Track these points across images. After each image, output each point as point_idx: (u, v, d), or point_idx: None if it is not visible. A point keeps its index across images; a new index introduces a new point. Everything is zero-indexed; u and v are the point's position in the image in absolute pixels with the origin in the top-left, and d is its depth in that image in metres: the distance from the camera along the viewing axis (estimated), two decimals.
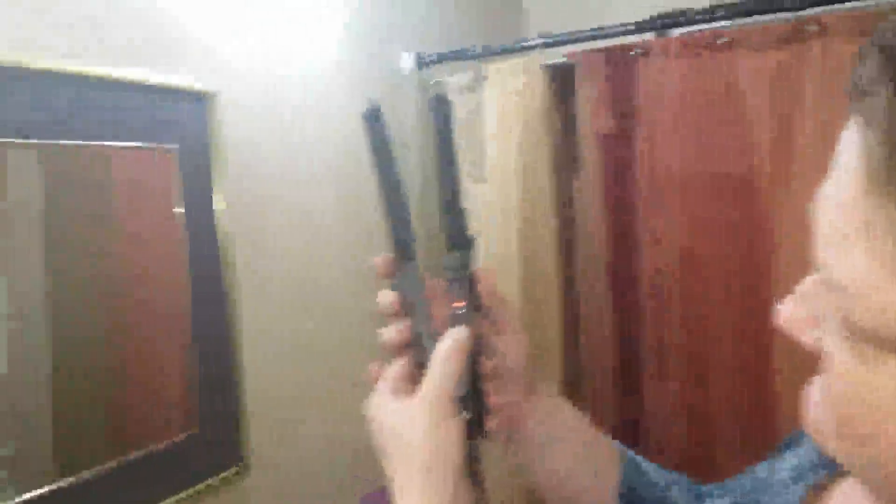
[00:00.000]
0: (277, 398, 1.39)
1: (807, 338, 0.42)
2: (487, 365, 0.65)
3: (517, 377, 0.68)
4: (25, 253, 0.98)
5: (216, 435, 1.25)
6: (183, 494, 1.18)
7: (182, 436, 1.19)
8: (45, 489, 0.99)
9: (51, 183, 1.01)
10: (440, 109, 0.67)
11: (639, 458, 0.73)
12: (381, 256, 0.64)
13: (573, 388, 1.55)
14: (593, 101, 1.47)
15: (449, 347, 0.58)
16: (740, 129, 1.34)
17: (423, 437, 0.55)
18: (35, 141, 0.98)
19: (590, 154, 1.49)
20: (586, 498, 0.71)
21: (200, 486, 1.21)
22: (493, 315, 0.66)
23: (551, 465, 0.70)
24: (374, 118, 0.64)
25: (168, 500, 1.15)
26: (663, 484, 0.71)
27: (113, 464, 1.07)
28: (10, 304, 0.96)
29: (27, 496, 0.97)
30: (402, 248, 0.64)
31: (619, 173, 1.48)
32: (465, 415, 0.59)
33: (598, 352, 1.53)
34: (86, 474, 1.04)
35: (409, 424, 0.56)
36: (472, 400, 0.61)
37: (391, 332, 0.63)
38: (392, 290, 0.64)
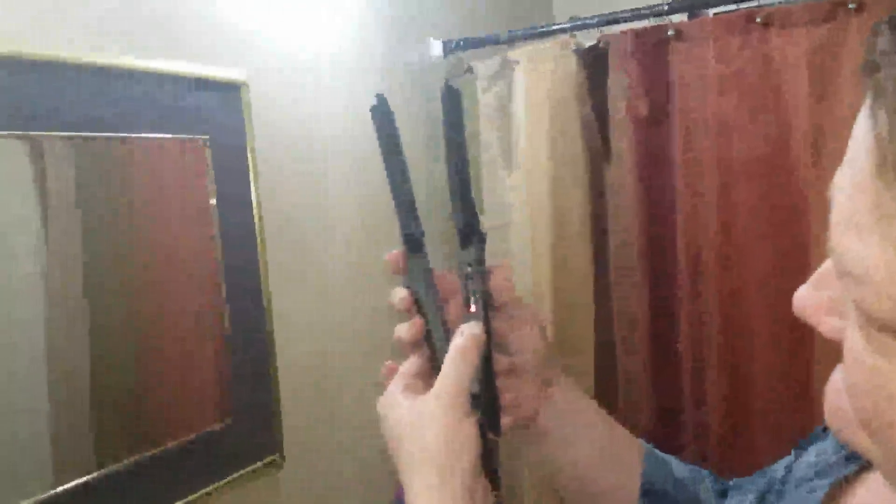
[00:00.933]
0: (312, 390, 1.39)
1: (824, 325, 0.40)
2: (503, 361, 0.64)
3: (533, 373, 0.66)
4: (63, 245, 0.99)
5: (251, 426, 1.26)
6: (219, 484, 1.19)
7: (218, 426, 1.20)
8: (85, 479, 1.00)
9: (86, 175, 1.02)
10: (450, 98, 0.65)
11: (661, 453, 0.72)
12: (391, 252, 0.63)
13: (607, 381, 1.53)
14: (626, 85, 1.44)
15: (463, 345, 0.57)
16: (777, 110, 1.30)
17: (437, 435, 0.54)
18: (70, 134, 0.99)
19: (623, 139, 1.46)
20: (607, 493, 0.69)
21: (236, 476, 1.23)
22: (507, 310, 0.65)
23: (570, 460, 0.69)
24: (382, 111, 0.63)
25: (204, 490, 1.17)
26: (686, 479, 0.69)
27: (150, 454, 1.09)
28: (49, 297, 0.97)
29: (67, 486, 0.98)
30: (412, 243, 0.63)
31: (653, 159, 1.45)
32: (479, 413, 0.58)
33: (632, 343, 1.51)
34: (124, 464, 1.05)
35: (423, 423, 0.55)
36: (487, 397, 0.60)
37: (404, 329, 0.62)
38: (404, 286, 0.63)
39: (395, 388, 0.60)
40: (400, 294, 0.63)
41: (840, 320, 0.38)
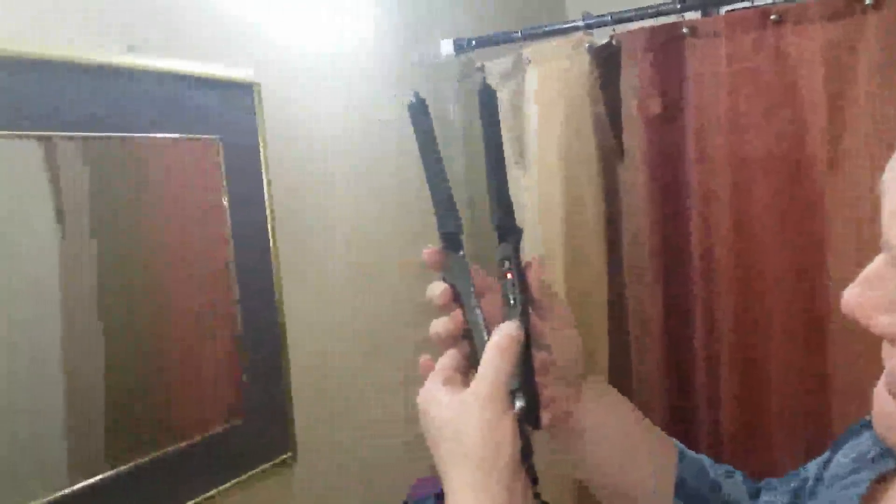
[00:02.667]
0: (324, 387, 1.40)
1: (876, 324, 0.39)
2: (538, 357, 0.64)
3: (568, 370, 0.66)
4: (76, 246, 1.00)
5: (264, 423, 1.26)
6: (233, 482, 1.20)
7: (231, 424, 1.20)
8: (98, 478, 1.01)
9: (99, 175, 1.03)
10: (487, 97, 0.65)
11: (694, 453, 0.72)
12: (428, 248, 0.63)
13: (620, 380, 1.52)
14: (639, 83, 1.43)
15: (502, 340, 0.57)
16: (792, 107, 1.29)
17: (477, 431, 0.54)
18: (84, 134, 1.00)
19: (636, 138, 1.45)
20: (641, 492, 0.69)
21: (250, 474, 1.23)
22: (544, 306, 0.64)
23: (603, 459, 0.69)
24: (419, 110, 0.63)
25: (218, 488, 1.17)
26: (719, 479, 0.69)
27: (164, 452, 1.09)
28: (63, 297, 0.98)
29: (81, 484, 0.99)
30: (449, 240, 0.63)
31: (666, 157, 1.44)
32: (519, 407, 0.57)
33: (646, 343, 1.50)
34: (137, 463, 1.06)
35: (463, 418, 0.55)
36: (526, 393, 0.60)
37: (441, 325, 0.61)
38: (442, 281, 0.63)
39: (434, 382, 0.59)
40: (439, 288, 0.62)
41: (892, 317, 0.38)
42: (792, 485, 0.64)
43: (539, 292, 0.64)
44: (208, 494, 1.16)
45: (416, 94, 0.64)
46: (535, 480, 0.59)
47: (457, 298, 0.62)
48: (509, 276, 0.63)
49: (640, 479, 0.69)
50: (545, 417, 0.63)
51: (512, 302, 0.62)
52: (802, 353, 1.30)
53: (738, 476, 0.70)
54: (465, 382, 0.59)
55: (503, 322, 0.60)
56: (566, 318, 0.67)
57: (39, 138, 0.95)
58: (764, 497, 0.67)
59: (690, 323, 1.45)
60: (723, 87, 1.34)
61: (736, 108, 1.33)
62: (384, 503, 1.51)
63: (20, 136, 0.93)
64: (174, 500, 1.11)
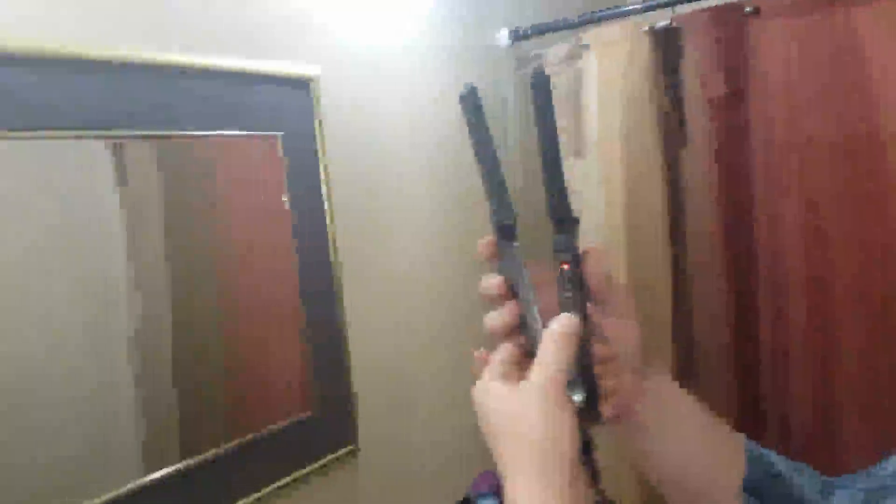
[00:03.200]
0: (386, 381, 1.41)
1: None
2: (599, 350, 0.63)
3: (628, 363, 0.65)
4: (146, 243, 1.03)
5: (329, 416, 1.28)
6: (299, 473, 1.22)
7: (297, 418, 1.22)
8: (171, 468, 1.04)
9: (165, 174, 1.05)
10: (540, 85, 0.64)
11: (763, 450, 0.69)
12: (483, 239, 0.63)
13: (685, 374, 1.49)
14: (702, 65, 1.39)
15: (560, 332, 0.56)
16: (863, 88, 1.23)
17: (536, 423, 0.53)
18: (148, 133, 1.02)
19: (699, 121, 1.41)
20: (706, 489, 0.67)
21: (315, 465, 1.25)
22: (602, 297, 0.63)
23: (667, 454, 0.67)
24: (471, 100, 0.62)
25: (285, 479, 1.20)
26: (789, 476, 0.66)
27: (234, 444, 1.12)
28: (134, 295, 1.01)
29: (155, 475, 1.02)
30: (504, 231, 0.62)
31: (731, 141, 1.40)
32: (579, 399, 0.57)
33: (711, 335, 1.46)
34: (209, 454, 1.09)
35: (522, 411, 0.54)
36: (585, 385, 0.59)
37: (497, 317, 0.61)
38: (497, 273, 0.62)
39: (490, 376, 0.58)
40: (492, 281, 0.61)
41: None
42: (866, 484, 0.61)
43: (598, 282, 0.63)
44: (278, 485, 1.18)
45: (469, 85, 0.63)
46: (596, 476, 0.58)
47: (512, 290, 0.61)
48: (566, 266, 0.61)
49: (706, 475, 0.67)
50: (606, 411, 0.62)
51: (569, 293, 0.61)
52: (876, 346, 1.25)
53: (809, 472, 0.68)
54: (522, 376, 0.58)
55: (560, 314, 0.59)
56: (626, 308, 0.65)
57: (106, 139, 0.98)
58: (837, 494, 0.64)
59: (758, 317, 1.40)
60: (790, 68, 1.29)
61: (804, 88, 1.28)
62: (446, 495, 1.52)
63: (87, 137, 0.96)
64: (244, 491, 1.14)
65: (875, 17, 1.20)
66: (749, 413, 1.42)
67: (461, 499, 1.53)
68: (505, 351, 0.60)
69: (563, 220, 0.63)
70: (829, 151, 1.27)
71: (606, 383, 0.63)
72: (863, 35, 1.22)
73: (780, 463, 0.68)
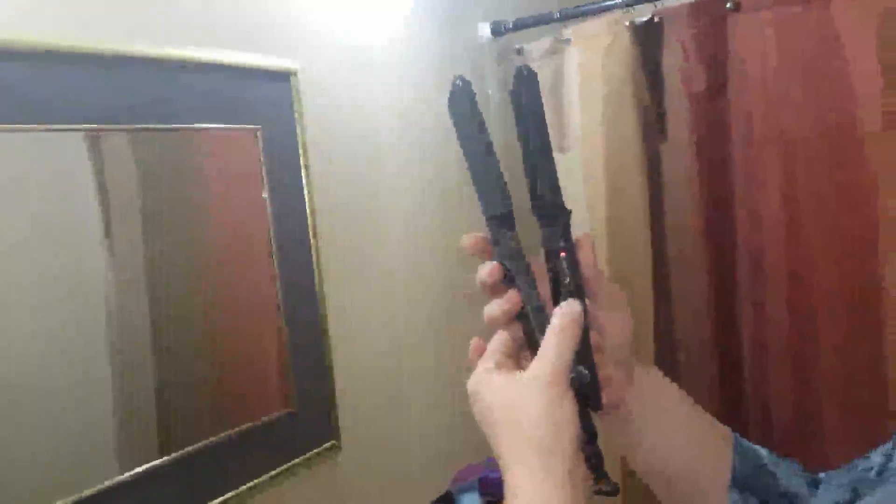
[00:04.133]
0: (367, 377, 1.40)
1: None
2: (592, 338, 0.62)
3: (619, 353, 0.64)
4: (123, 237, 1.01)
5: (310, 413, 1.27)
6: (278, 470, 1.21)
7: (277, 414, 1.21)
8: (150, 465, 1.03)
9: (142, 167, 1.04)
10: (529, 81, 0.63)
11: (751, 444, 0.69)
12: (469, 236, 0.62)
13: (666, 367, 1.49)
14: (683, 60, 1.40)
15: (563, 323, 0.56)
16: (841, 82, 1.24)
17: (538, 413, 0.53)
18: (126, 126, 1.00)
19: (680, 116, 1.42)
20: (694, 482, 0.67)
21: (296, 462, 1.24)
22: (594, 288, 0.63)
23: (653, 446, 0.67)
24: (465, 94, 0.62)
25: (264, 476, 1.18)
26: (777, 471, 0.67)
27: (212, 441, 1.11)
28: (112, 289, 0.99)
29: (133, 472, 1.01)
30: (501, 220, 0.61)
31: (711, 135, 1.40)
32: (580, 388, 0.56)
33: (692, 329, 1.47)
34: (187, 451, 1.07)
35: (523, 401, 0.54)
36: (587, 373, 0.59)
37: (496, 307, 0.60)
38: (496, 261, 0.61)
39: (486, 366, 0.58)
40: (490, 266, 0.61)
41: None
42: (852, 476, 0.62)
43: (590, 272, 0.62)
44: (257, 481, 1.17)
45: (461, 78, 0.62)
46: (601, 462, 0.58)
47: (507, 278, 0.61)
48: (563, 254, 0.61)
49: (693, 468, 0.67)
50: (606, 397, 0.62)
51: (567, 281, 0.60)
52: (855, 339, 1.26)
53: (796, 467, 0.68)
54: (517, 365, 0.57)
55: (553, 304, 0.58)
56: (617, 299, 0.65)
57: (83, 131, 0.96)
58: (823, 488, 0.64)
59: (739, 310, 1.41)
60: (770, 63, 1.29)
61: (784, 84, 1.28)
62: (428, 490, 1.51)
63: (62, 130, 0.94)
64: (222, 488, 1.13)
65: (853, 11, 1.21)
66: (730, 406, 1.43)
67: (443, 494, 1.53)
68: (501, 340, 0.60)
69: (556, 210, 0.62)
70: (807, 145, 1.28)
71: (601, 372, 0.63)
72: (841, 30, 1.22)
73: (767, 457, 0.68)
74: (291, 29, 1.25)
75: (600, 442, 0.59)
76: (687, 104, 1.40)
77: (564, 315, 0.56)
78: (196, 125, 1.09)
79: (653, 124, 1.50)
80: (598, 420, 0.61)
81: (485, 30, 1.67)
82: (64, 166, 0.95)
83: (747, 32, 1.32)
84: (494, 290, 0.61)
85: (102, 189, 0.99)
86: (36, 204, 0.91)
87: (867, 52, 1.20)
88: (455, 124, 0.63)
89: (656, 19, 1.44)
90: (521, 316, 0.60)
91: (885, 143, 1.20)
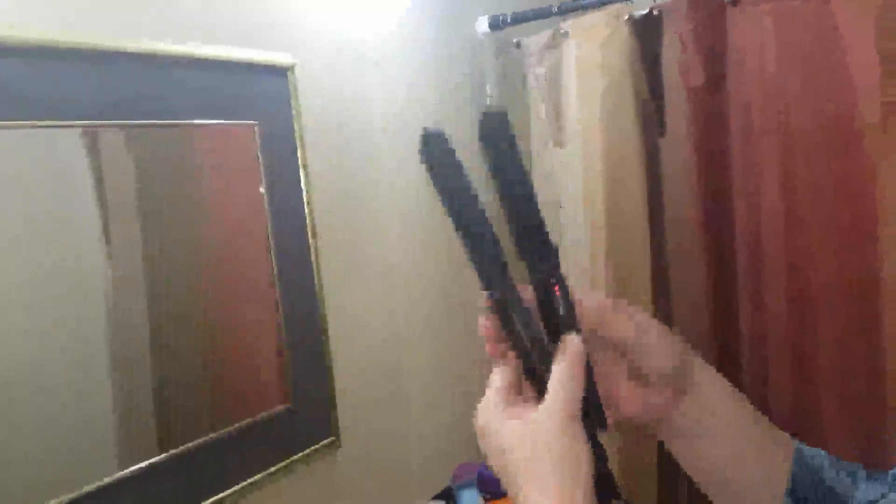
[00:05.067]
0: (366, 374, 1.40)
1: None
2: (630, 369, 0.63)
3: (664, 372, 0.64)
4: (121, 234, 1.01)
5: (309, 409, 1.27)
6: (279, 465, 1.21)
7: (276, 410, 1.21)
8: (148, 462, 1.03)
9: (140, 163, 1.04)
10: (499, 127, 0.59)
11: (813, 451, 0.68)
12: (482, 321, 0.61)
13: None
14: (682, 52, 1.39)
15: (571, 361, 0.57)
16: (840, 75, 1.23)
17: (557, 450, 0.53)
18: (122, 122, 1.00)
19: (679, 109, 1.41)
20: (748, 490, 0.66)
21: (294, 458, 1.24)
22: (606, 318, 0.62)
23: (709, 457, 0.66)
24: (438, 144, 0.59)
25: (262, 472, 1.18)
26: (837, 479, 0.65)
27: (209, 438, 1.11)
28: (109, 286, 0.99)
29: (132, 469, 1.01)
30: (494, 271, 0.60)
31: (710, 128, 1.40)
32: (588, 415, 0.57)
33: (691, 322, 1.46)
34: (185, 448, 1.07)
35: (540, 439, 0.54)
36: (590, 399, 0.59)
37: (494, 343, 0.61)
38: (489, 306, 0.60)
39: (495, 401, 0.58)
40: (486, 323, 0.61)
41: None
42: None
43: (594, 305, 0.62)
44: (256, 477, 1.17)
45: (431, 130, 0.58)
46: (613, 482, 0.59)
47: (505, 314, 0.60)
48: (557, 289, 0.60)
49: (748, 475, 0.66)
50: (610, 417, 0.62)
51: (563, 314, 0.60)
52: (854, 332, 1.25)
53: (862, 473, 0.66)
54: (526, 398, 0.58)
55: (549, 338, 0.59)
56: (652, 324, 0.64)
57: (80, 128, 0.96)
58: (868, 482, 0.63)
59: (737, 303, 1.40)
60: (770, 56, 1.29)
61: (784, 76, 1.28)
62: (427, 487, 1.52)
63: (60, 127, 0.93)
64: (221, 484, 1.13)
65: (852, 3, 1.20)
66: None
67: (442, 490, 1.53)
68: (504, 374, 0.60)
69: (546, 252, 0.62)
70: (806, 137, 1.27)
71: (631, 404, 0.63)
72: (840, 21, 1.22)
73: (830, 466, 0.67)
74: (289, 24, 1.24)
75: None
76: (686, 97, 1.40)
77: (570, 351, 0.57)
78: (193, 121, 1.09)
79: (651, 117, 1.50)
80: (643, 428, 0.61)
81: (483, 24, 1.66)
82: (60, 163, 0.95)
83: (746, 24, 1.32)
84: (496, 338, 0.61)
85: (99, 185, 0.99)
86: (32, 201, 0.91)
87: (866, 43, 1.19)
88: (431, 175, 0.60)
89: (655, 12, 1.43)
90: (521, 351, 0.60)
91: (883, 135, 1.20)
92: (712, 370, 0.67)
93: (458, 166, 0.59)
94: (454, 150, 0.59)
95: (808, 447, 0.68)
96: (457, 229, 0.60)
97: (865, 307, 1.23)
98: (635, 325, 0.63)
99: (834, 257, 1.26)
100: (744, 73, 1.33)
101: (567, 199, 1.55)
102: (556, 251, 0.62)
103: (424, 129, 0.58)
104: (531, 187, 0.61)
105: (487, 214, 0.60)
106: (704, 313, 1.44)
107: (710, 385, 0.67)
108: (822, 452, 0.68)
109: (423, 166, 0.59)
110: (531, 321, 0.60)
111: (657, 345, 0.64)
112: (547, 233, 0.62)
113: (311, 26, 1.28)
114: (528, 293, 0.62)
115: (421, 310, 1.52)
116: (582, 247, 1.53)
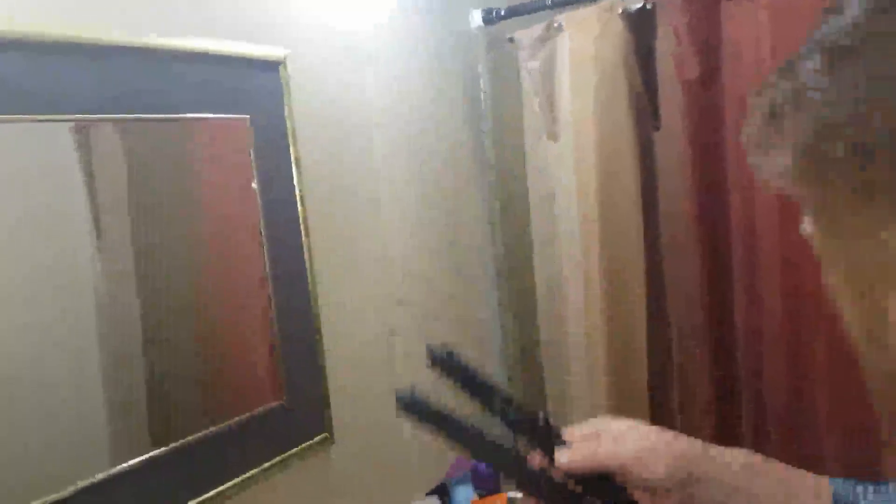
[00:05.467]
0: (360, 370, 1.39)
1: None
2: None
3: (666, 484, 0.64)
4: (112, 228, 1.00)
5: (302, 405, 1.26)
6: (273, 461, 1.20)
7: (268, 406, 1.20)
8: (142, 457, 1.02)
9: (131, 157, 1.02)
10: (455, 365, 0.66)
11: (854, 487, 0.67)
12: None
13: (659, 354, 1.49)
14: (676, 45, 1.39)
15: None
16: None
17: None
18: (113, 116, 0.99)
19: (673, 102, 1.41)
20: None
21: (289, 454, 1.23)
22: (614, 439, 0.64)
23: None
24: (414, 404, 0.61)
25: (256, 468, 1.17)
26: None
27: (202, 434, 1.10)
28: (100, 281, 0.98)
29: (126, 464, 1.00)
30: (517, 469, 0.62)
31: (704, 121, 1.40)
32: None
33: (685, 315, 1.46)
34: (177, 444, 1.06)
35: None
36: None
37: None
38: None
39: None
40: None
41: None
42: None
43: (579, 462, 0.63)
44: (250, 473, 1.16)
45: (403, 392, 0.61)
46: None
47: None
48: (545, 465, 0.62)
49: None
50: None
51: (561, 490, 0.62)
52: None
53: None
54: None
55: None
56: (633, 441, 0.65)
57: (71, 122, 0.94)
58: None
59: (732, 296, 1.40)
60: (764, 49, 1.29)
61: (776, 68, 1.28)
62: (421, 483, 1.51)
63: (51, 121, 0.92)
64: (215, 480, 1.12)
65: None
66: (723, 392, 1.43)
67: (436, 486, 1.52)
68: None
69: (530, 421, 0.63)
70: None
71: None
72: None
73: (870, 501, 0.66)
74: (281, 18, 1.23)
75: None
76: (680, 90, 1.40)
77: None
78: (185, 115, 1.08)
79: (645, 110, 1.49)
80: None
81: (476, 18, 1.66)
82: (53, 157, 0.94)
83: (741, 17, 1.32)
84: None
85: (91, 179, 0.97)
86: (24, 195, 0.90)
87: None
88: (424, 428, 0.62)
89: (649, 5, 1.43)
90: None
91: None
92: (719, 452, 0.67)
93: (441, 415, 0.62)
94: (429, 402, 0.62)
95: (842, 485, 0.67)
96: (473, 456, 0.63)
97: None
98: (624, 451, 0.63)
99: None
100: (739, 66, 1.33)
101: (560, 192, 1.55)
102: (545, 424, 0.63)
103: (398, 396, 0.61)
104: (480, 428, 0.62)
105: (486, 433, 0.61)
106: (699, 307, 1.44)
107: (720, 471, 0.66)
108: (858, 488, 0.67)
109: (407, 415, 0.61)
110: (567, 491, 0.62)
111: (649, 460, 0.64)
112: (529, 421, 0.63)
113: (303, 20, 1.27)
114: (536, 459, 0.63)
115: (415, 303, 1.51)
116: (575, 239, 1.53)
